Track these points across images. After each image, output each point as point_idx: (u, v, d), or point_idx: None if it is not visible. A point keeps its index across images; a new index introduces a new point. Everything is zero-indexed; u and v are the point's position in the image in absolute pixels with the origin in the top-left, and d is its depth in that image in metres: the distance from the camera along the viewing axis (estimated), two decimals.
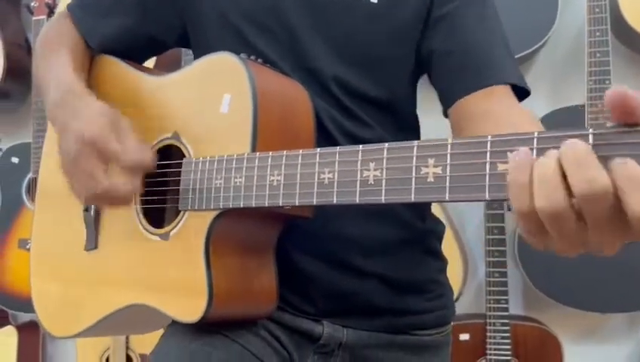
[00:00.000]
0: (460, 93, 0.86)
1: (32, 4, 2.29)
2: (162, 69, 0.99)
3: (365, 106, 0.89)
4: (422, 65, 0.92)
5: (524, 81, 0.88)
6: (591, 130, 0.49)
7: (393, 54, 0.89)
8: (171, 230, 0.83)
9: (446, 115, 0.90)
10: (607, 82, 1.81)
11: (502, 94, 0.85)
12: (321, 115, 0.86)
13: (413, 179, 0.59)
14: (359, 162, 0.63)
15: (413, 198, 0.59)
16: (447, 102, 0.89)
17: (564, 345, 1.89)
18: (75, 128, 0.77)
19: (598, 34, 1.82)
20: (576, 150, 0.48)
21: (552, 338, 1.89)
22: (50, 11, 2.28)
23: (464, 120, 0.85)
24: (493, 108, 0.83)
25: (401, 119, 0.93)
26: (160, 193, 0.89)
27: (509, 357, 1.87)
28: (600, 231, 0.49)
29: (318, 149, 0.67)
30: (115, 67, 0.98)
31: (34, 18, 2.28)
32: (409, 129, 0.96)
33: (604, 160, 0.47)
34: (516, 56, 1.92)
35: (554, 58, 2.12)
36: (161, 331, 0.93)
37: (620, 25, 1.91)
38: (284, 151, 0.70)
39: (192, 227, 0.81)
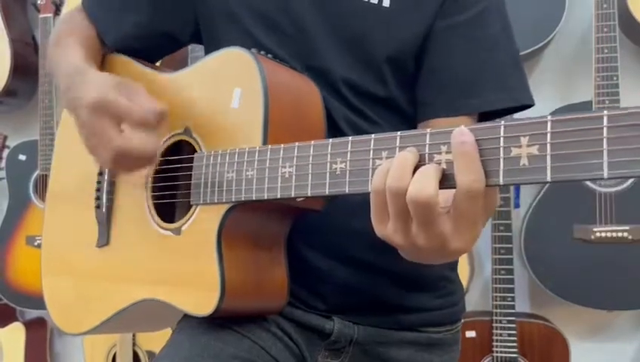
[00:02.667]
0: (430, 114, 0.88)
1: (39, 2, 2.30)
2: (169, 67, 0.99)
3: (375, 106, 0.89)
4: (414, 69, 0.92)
5: (513, 99, 0.88)
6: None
7: (402, 57, 0.89)
8: (183, 224, 0.83)
9: (415, 125, 0.91)
10: (614, 78, 1.81)
11: (469, 122, 0.86)
12: (333, 113, 0.86)
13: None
14: (371, 151, 0.63)
15: None
16: (418, 116, 0.90)
17: (570, 342, 1.88)
18: (84, 98, 0.78)
19: (605, 30, 1.82)
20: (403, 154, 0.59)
21: (559, 335, 1.89)
22: (57, 9, 2.29)
23: None
24: None
25: (411, 117, 0.93)
26: (172, 188, 0.89)
27: (515, 355, 1.87)
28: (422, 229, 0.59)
29: (330, 140, 0.68)
30: (126, 65, 0.98)
31: (40, 16, 2.29)
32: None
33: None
34: (523, 53, 1.92)
35: (561, 54, 2.11)
36: (169, 330, 0.94)
37: (627, 21, 1.91)
38: (296, 143, 0.71)
39: (203, 221, 0.81)
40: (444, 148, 0.58)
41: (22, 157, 2.38)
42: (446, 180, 0.58)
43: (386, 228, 0.62)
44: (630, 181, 1.86)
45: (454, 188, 0.57)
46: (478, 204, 0.57)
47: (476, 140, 0.56)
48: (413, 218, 0.59)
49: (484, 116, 0.88)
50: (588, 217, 1.85)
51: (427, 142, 0.60)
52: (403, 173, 0.59)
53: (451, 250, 0.61)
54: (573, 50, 2.11)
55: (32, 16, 2.50)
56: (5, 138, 2.40)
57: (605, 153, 0.50)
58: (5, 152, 2.40)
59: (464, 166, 0.56)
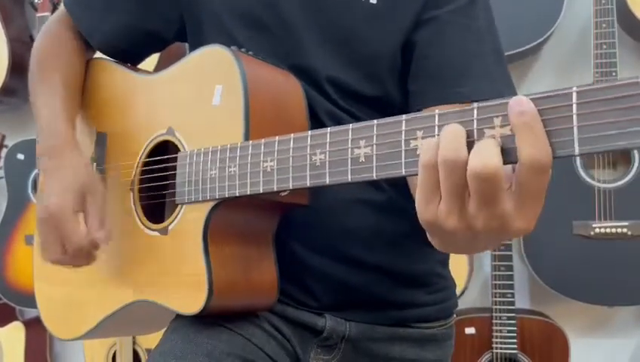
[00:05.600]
0: (421, 104, 0.87)
1: (36, 0, 2.29)
2: (166, 64, 0.99)
3: (360, 104, 0.89)
4: (402, 62, 0.92)
5: (507, 92, 0.86)
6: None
7: (390, 53, 0.89)
8: (169, 224, 0.83)
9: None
10: (613, 73, 1.81)
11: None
12: (318, 111, 0.86)
13: (403, 153, 0.59)
14: (350, 140, 0.63)
15: (404, 172, 0.59)
16: (412, 106, 0.89)
17: (570, 338, 1.88)
18: (47, 196, 0.87)
19: (604, 25, 1.81)
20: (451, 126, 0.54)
21: (558, 331, 1.89)
22: (54, 8, 2.29)
23: None
24: None
25: (397, 115, 0.92)
26: (158, 189, 0.89)
27: (515, 351, 1.87)
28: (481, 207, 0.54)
29: (310, 132, 0.68)
30: (108, 69, 0.98)
31: (38, 15, 2.29)
32: None
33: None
34: (522, 49, 1.92)
35: (560, 50, 2.11)
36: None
37: (626, 16, 1.90)
38: (277, 137, 0.70)
39: (190, 220, 0.81)
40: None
41: (20, 156, 2.39)
42: (505, 155, 0.53)
43: (436, 209, 0.56)
44: (629, 176, 1.85)
45: (513, 163, 0.53)
46: (544, 179, 0.52)
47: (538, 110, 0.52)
48: (473, 196, 0.54)
49: None
50: (587, 213, 1.85)
51: (403, 128, 0.59)
52: (458, 144, 0.54)
53: (513, 230, 0.55)
54: (572, 46, 2.10)
55: (30, 15, 2.51)
56: (4, 137, 2.41)
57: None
58: (4, 151, 2.41)
59: (527, 138, 0.51)
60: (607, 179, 1.86)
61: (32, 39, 2.50)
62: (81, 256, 0.87)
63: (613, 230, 1.83)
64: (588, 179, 1.87)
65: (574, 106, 0.50)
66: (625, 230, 1.82)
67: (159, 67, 1.10)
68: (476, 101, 0.85)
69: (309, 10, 0.88)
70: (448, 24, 0.87)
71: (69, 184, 0.86)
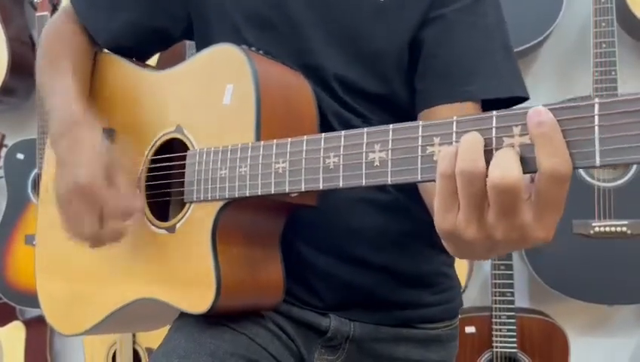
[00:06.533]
0: (429, 102, 0.86)
1: (36, 0, 2.29)
2: (166, 64, 0.99)
3: (366, 102, 0.89)
4: (410, 60, 0.92)
5: (510, 89, 0.86)
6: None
7: (396, 51, 0.89)
8: (177, 223, 0.83)
9: (416, 115, 0.90)
10: (613, 73, 1.81)
11: (469, 109, 0.85)
12: (323, 108, 0.86)
13: (419, 159, 0.59)
14: (364, 144, 0.63)
15: (420, 178, 0.59)
16: (417, 106, 0.89)
17: (570, 337, 1.88)
18: (71, 170, 0.82)
19: (603, 24, 1.81)
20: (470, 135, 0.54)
21: (558, 330, 1.89)
22: (54, 7, 2.29)
23: None
24: None
25: (404, 113, 0.92)
26: (165, 186, 0.89)
27: (514, 350, 1.87)
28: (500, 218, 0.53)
29: (323, 134, 0.67)
30: (117, 65, 0.98)
31: (37, 14, 2.29)
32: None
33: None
34: (522, 48, 1.92)
35: (560, 49, 2.11)
36: (167, 327, 0.93)
37: (625, 15, 1.90)
38: (289, 139, 0.70)
39: (198, 219, 0.81)
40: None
41: (20, 156, 2.38)
42: (524, 164, 0.52)
43: (455, 219, 0.56)
44: (629, 176, 1.86)
45: (533, 172, 0.53)
46: (564, 189, 0.52)
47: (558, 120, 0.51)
48: (492, 206, 0.53)
49: (487, 106, 0.87)
50: (587, 212, 1.85)
51: (420, 133, 0.58)
52: (476, 154, 0.53)
53: (532, 240, 0.55)
54: (571, 45, 2.11)
55: (29, 14, 2.50)
56: (3, 137, 2.40)
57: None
58: (3, 151, 2.40)
59: (546, 148, 0.51)
60: (607, 178, 1.87)
61: (31, 39, 2.50)
62: (119, 225, 0.81)
63: (613, 229, 1.83)
64: (588, 178, 1.87)
65: (596, 118, 0.50)
66: (625, 229, 1.82)
67: (160, 65, 1.10)
68: (484, 100, 0.86)
69: (315, 8, 0.88)
70: (455, 22, 0.87)
71: (94, 155, 0.82)
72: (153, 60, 1.10)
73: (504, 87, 0.86)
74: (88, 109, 0.89)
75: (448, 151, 0.55)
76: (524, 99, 0.88)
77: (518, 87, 0.87)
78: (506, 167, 0.52)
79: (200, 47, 0.93)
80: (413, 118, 0.96)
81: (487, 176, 0.53)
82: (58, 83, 0.92)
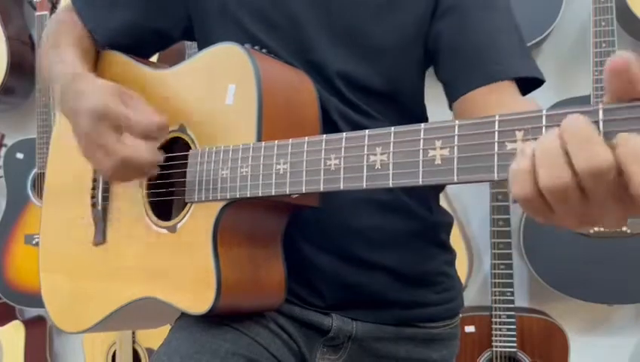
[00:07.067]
0: (465, 88, 0.86)
1: (35, 0, 2.29)
2: (166, 63, 0.99)
3: (370, 99, 0.89)
4: (428, 57, 0.92)
5: (535, 69, 0.87)
6: (601, 106, 0.48)
7: (399, 47, 0.89)
8: (178, 222, 0.83)
9: (450, 107, 0.89)
10: None
11: (506, 88, 0.84)
12: (327, 106, 0.86)
13: (421, 162, 0.59)
14: (366, 147, 0.63)
15: (421, 181, 0.58)
16: (452, 96, 0.88)
17: (570, 336, 1.88)
18: (83, 107, 0.78)
19: (603, 24, 1.81)
20: (578, 126, 0.47)
21: (558, 330, 1.89)
22: (53, 7, 2.28)
23: (468, 113, 0.85)
24: (497, 102, 0.82)
25: (407, 110, 0.92)
26: (167, 186, 0.89)
27: (514, 349, 1.87)
28: (603, 206, 0.48)
29: (324, 136, 0.67)
30: (120, 62, 0.97)
31: (37, 14, 2.29)
32: (416, 120, 0.95)
33: (612, 135, 0.47)
34: None
35: (559, 48, 2.11)
36: (168, 326, 0.94)
37: (625, 14, 1.90)
38: (290, 140, 0.70)
39: (199, 219, 0.81)
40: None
41: (19, 155, 2.38)
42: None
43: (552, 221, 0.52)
44: None
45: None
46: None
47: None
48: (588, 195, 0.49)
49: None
50: None
51: (422, 136, 0.58)
52: (556, 160, 0.48)
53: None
54: (571, 45, 2.11)
55: (29, 14, 2.50)
56: (3, 136, 2.40)
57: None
58: (3, 151, 2.40)
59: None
60: None
61: (31, 38, 2.49)
62: (152, 136, 0.75)
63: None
64: None
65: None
66: (624, 228, 1.82)
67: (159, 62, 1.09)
68: (514, 78, 0.84)
69: (318, 6, 0.88)
70: (471, 8, 0.87)
71: (102, 85, 0.80)
72: (153, 60, 1.10)
73: (526, 66, 0.86)
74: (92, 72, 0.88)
75: (523, 169, 0.50)
76: (541, 82, 0.87)
77: (531, 70, 0.87)
78: (592, 152, 0.47)
79: (202, 45, 0.93)
80: (418, 116, 0.96)
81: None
82: (60, 56, 0.92)
